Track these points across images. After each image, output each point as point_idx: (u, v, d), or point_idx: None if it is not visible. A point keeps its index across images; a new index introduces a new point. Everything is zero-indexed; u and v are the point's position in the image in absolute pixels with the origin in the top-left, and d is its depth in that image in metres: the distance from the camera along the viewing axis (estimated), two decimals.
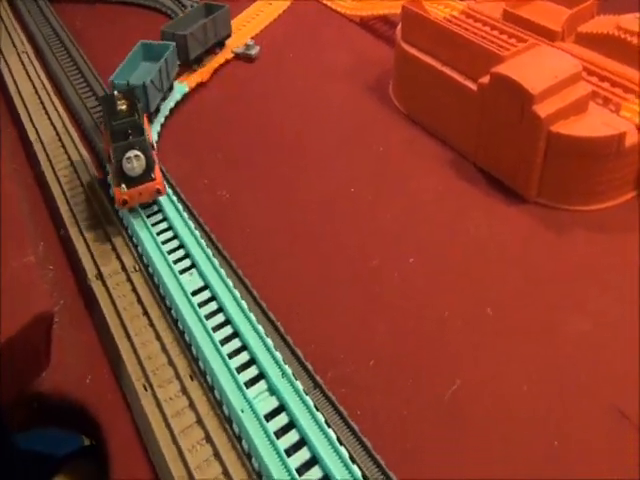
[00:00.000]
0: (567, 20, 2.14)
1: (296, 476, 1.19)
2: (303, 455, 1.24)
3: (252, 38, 2.81)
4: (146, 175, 1.74)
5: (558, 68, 1.85)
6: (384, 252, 1.76)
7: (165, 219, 1.81)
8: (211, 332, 1.46)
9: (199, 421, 1.33)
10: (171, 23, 2.61)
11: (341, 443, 1.25)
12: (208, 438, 1.30)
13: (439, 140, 2.17)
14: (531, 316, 1.56)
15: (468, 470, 1.26)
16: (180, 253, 1.71)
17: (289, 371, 1.38)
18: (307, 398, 1.32)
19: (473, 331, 1.53)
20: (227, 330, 1.49)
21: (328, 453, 1.22)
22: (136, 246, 1.74)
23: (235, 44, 2.76)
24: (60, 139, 2.20)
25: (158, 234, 1.75)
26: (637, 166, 1.83)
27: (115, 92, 1.90)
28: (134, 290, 1.63)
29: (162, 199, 1.83)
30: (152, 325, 1.54)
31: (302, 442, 1.26)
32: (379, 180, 2.03)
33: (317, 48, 2.78)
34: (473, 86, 1.97)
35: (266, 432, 1.26)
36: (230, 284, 1.58)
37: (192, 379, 1.41)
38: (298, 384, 1.35)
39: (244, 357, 1.43)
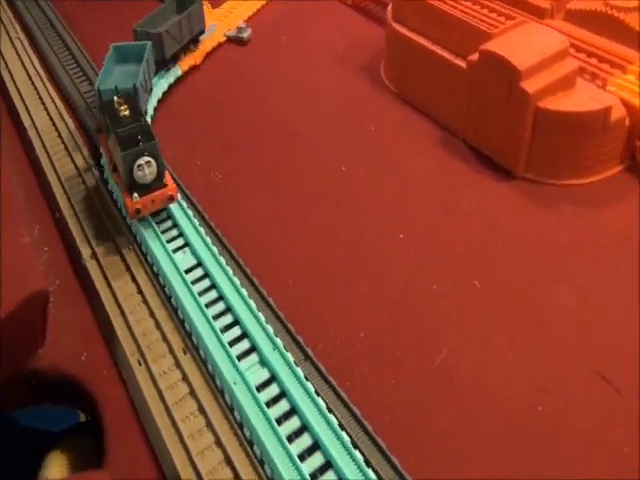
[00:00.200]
0: None
1: (286, 443, 1.22)
2: (294, 423, 1.27)
3: (244, 21, 2.81)
4: (158, 181, 1.67)
5: (546, 45, 1.87)
6: (375, 228, 1.79)
7: None
8: (204, 308, 1.49)
9: (192, 393, 1.36)
10: (142, 21, 2.42)
11: (330, 411, 1.28)
12: (201, 409, 1.33)
13: (430, 119, 2.19)
14: (518, 288, 1.58)
15: (456, 435, 1.29)
16: (174, 233, 1.73)
17: (280, 343, 1.41)
18: (297, 369, 1.35)
19: (461, 303, 1.55)
20: (220, 306, 1.52)
21: (318, 421, 1.25)
22: (129, 227, 1.76)
23: (227, 27, 2.76)
24: (54, 124, 2.21)
25: (152, 215, 1.76)
26: (623, 141, 1.85)
27: (115, 97, 1.77)
28: (128, 269, 1.66)
29: None
30: (146, 302, 1.56)
31: (292, 411, 1.29)
32: (371, 159, 2.05)
33: (309, 31, 2.79)
34: (463, 64, 1.99)
35: (257, 402, 1.29)
36: (223, 261, 1.61)
37: (185, 353, 1.44)
38: (289, 356, 1.38)
39: (236, 331, 1.46)
